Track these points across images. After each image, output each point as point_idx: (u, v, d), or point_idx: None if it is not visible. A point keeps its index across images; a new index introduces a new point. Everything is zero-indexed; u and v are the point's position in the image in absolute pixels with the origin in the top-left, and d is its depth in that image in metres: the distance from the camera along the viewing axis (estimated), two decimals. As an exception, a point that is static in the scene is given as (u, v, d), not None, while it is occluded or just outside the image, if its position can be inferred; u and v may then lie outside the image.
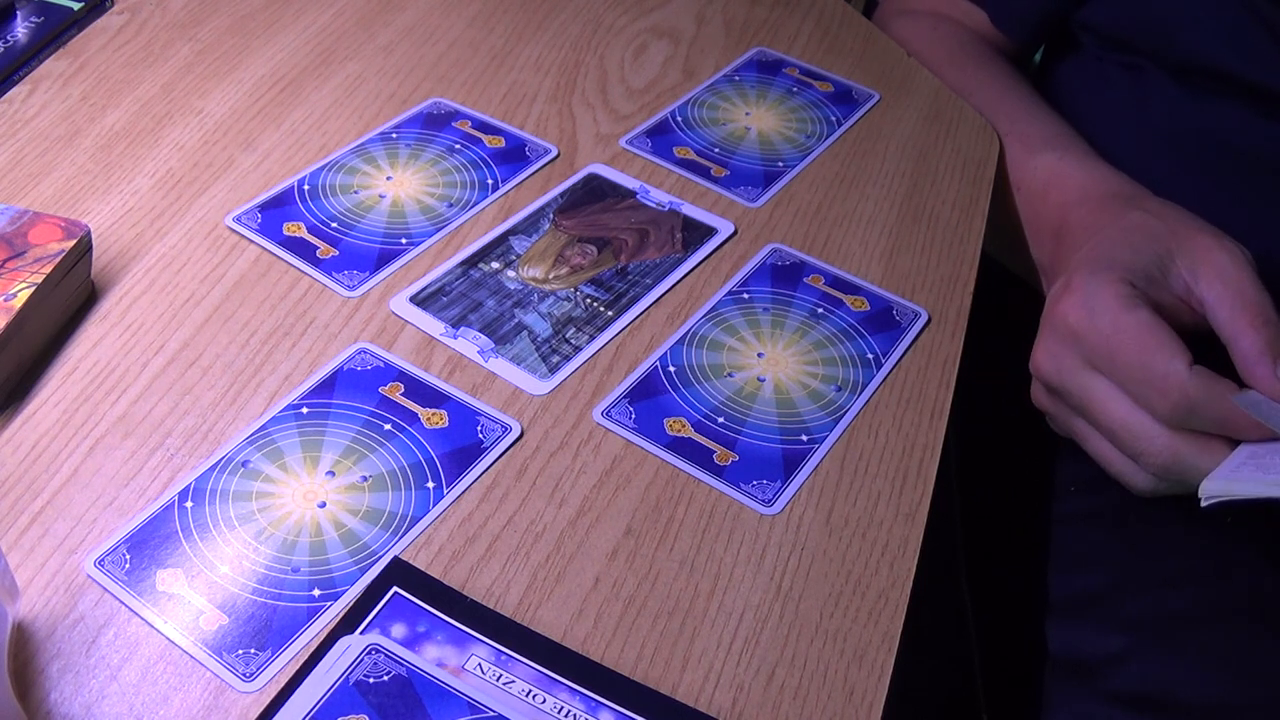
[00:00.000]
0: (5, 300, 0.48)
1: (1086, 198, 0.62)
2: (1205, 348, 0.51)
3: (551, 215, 0.61)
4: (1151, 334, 0.50)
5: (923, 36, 0.78)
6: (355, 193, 0.61)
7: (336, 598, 0.43)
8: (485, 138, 0.66)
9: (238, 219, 0.58)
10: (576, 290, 0.57)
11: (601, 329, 0.55)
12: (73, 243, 0.51)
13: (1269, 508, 0.45)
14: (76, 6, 0.70)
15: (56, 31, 0.68)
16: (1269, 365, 0.49)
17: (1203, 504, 0.47)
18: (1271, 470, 0.46)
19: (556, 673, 0.41)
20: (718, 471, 0.49)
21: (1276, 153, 0.64)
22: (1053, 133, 0.68)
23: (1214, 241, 0.53)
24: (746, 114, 0.70)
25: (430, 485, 0.47)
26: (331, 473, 0.47)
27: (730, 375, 0.53)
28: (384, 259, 0.57)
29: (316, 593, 0.43)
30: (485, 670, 0.41)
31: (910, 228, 0.63)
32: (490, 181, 0.63)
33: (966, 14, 0.78)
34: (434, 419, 0.50)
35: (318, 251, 0.57)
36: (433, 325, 0.54)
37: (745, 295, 0.57)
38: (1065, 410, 0.56)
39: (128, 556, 0.43)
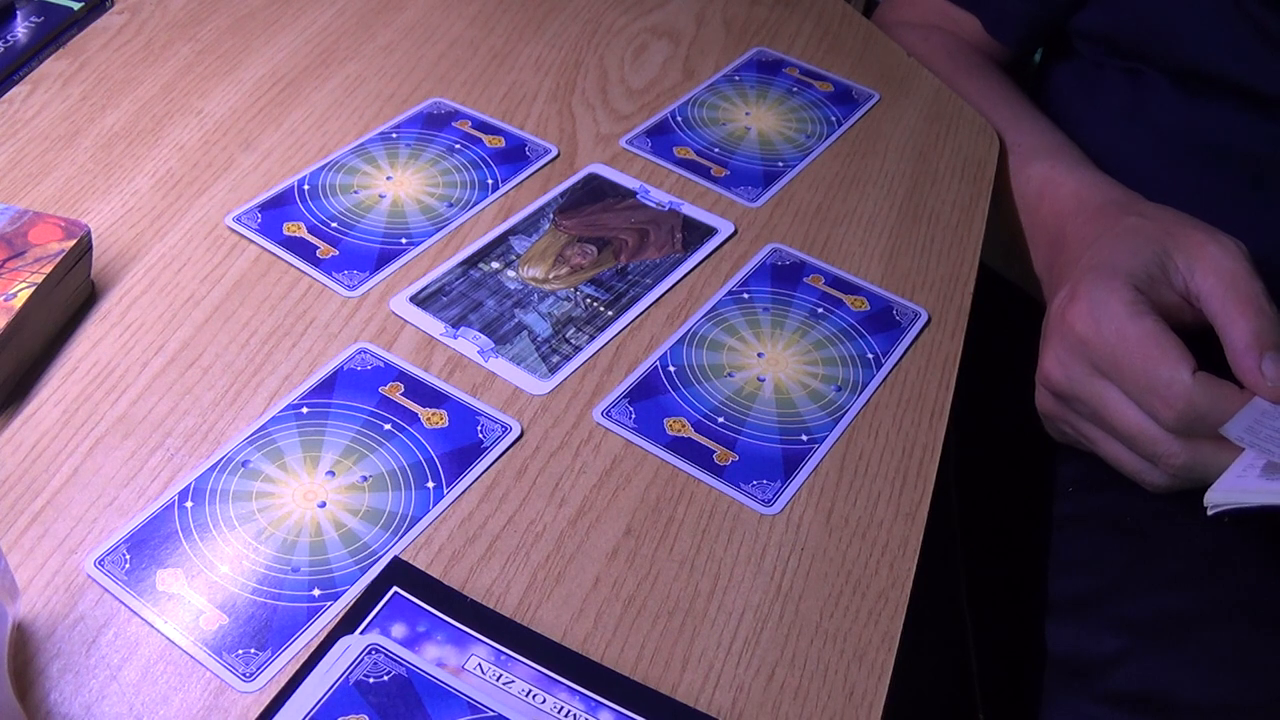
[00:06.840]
0: (5, 300, 0.48)
1: (1082, 208, 0.62)
2: (1210, 346, 0.51)
3: (551, 215, 0.61)
4: (1155, 343, 0.50)
5: (916, 47, 0.78)
6: (355, 193, 0.61)
7: (336, 598, 0.43)
8: (485, 138, 0.66)
9: (238, 219, 0.58)
10: (576, 290, 0.57)
11: (601, 329, 0.55)
12: (73, 243, 0.51)
13: (1273, 515, 0.45)
14: (76, 6, 0.70)
15: (56, 31, 0.68)
16: (1255, 356, 0.49)
17: (1209, 513, 0.47)
18: (1277, 476, 0.45)
19: (556, 673, 0.41)
20: (718, 471, 0.49)
21: (1275, 155, 0.64)
22: (1044, 141, 0.68)
23: (1208, 237, 0.53)
24: (746, 114, 0.70)
25: (430, 485, 0.47)
26: (331, 473, 0.47)
27: (730, 375, 0.53)
28: (384, 259, 0.57)
29: (316, 593, 0.43)
30: (485, 670, 0.41)
31: (910, 228, 0.63)
32: (490, 181, 0.63)
33: (959, 24, 0.79)
34: (434, 419, 0.50)
35: (318, 251, 0.57)
36: (433, 325, 0.54)
37: (745, 295, 0.57)
38: (1074, 416, 0.56)
39: (128, 556, 0.43)
